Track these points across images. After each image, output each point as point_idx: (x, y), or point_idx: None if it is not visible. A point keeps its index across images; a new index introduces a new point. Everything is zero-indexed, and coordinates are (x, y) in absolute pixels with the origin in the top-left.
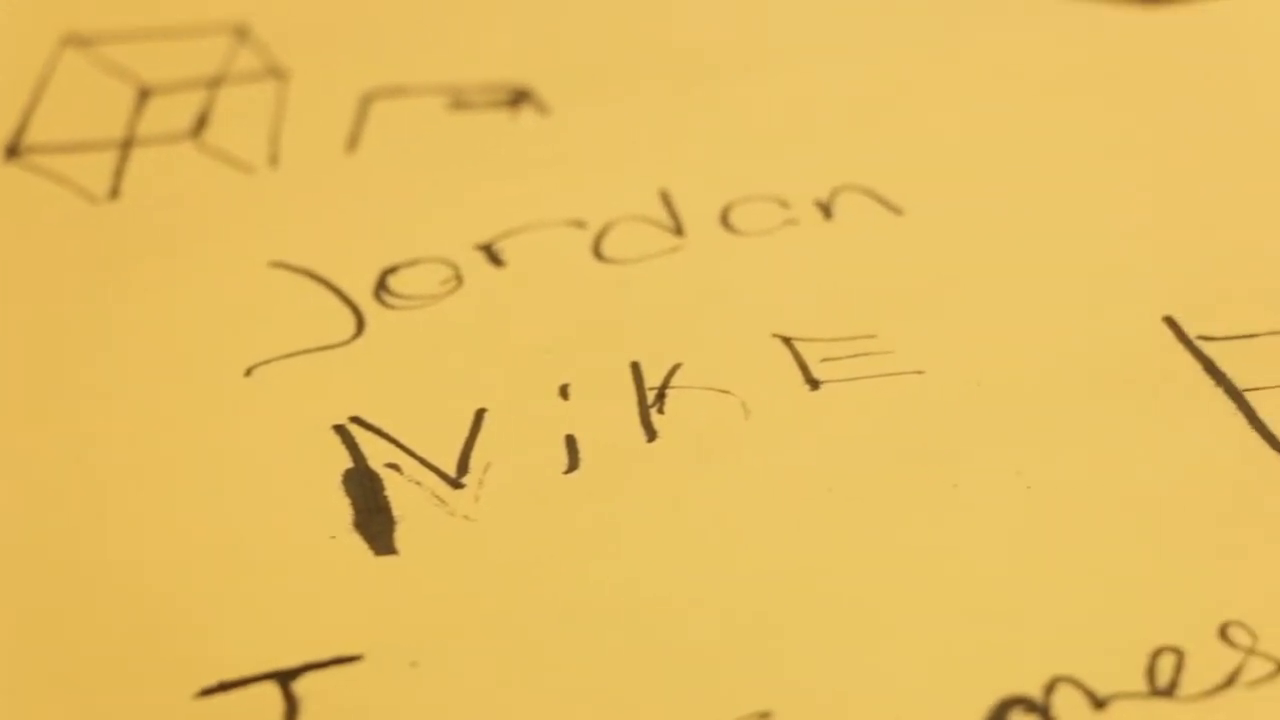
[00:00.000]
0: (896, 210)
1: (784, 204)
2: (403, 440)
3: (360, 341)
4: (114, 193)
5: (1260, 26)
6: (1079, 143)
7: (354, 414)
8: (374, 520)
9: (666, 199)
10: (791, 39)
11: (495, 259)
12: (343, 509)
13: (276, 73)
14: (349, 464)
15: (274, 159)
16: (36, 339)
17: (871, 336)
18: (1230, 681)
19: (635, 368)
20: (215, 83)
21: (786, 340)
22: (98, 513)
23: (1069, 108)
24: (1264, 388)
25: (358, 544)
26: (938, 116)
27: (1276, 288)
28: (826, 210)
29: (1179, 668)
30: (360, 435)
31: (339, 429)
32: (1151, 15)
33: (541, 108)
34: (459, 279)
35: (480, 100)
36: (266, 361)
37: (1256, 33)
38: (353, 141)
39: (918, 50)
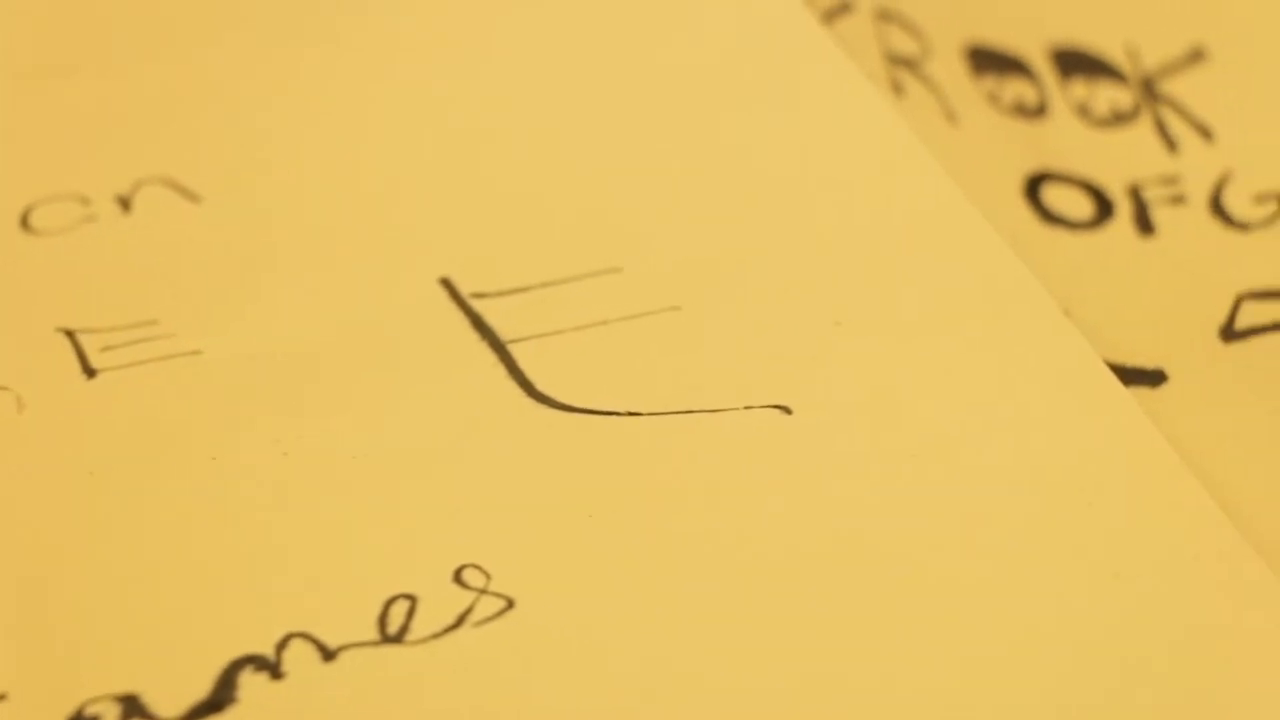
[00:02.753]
0: (195, 199)
1: (84, 201)
2: None
3: None
4: None
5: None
6: (370, 117)
7: None
8: None
9: None
10: (96, 43)
11: None
12: None
13: None
14: None
15: None
16: None
17: (153, 322)
18: (459, 622)
19: None
20: None
21: (69, 333)
22: None
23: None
24: (526, 338)
25: None
26: (248, 112)
27: (546, 241)
28: (126, 204)
29: (411, 614)
30: None
31: None
32: None
33: None
34: None
35: None
36: None
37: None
38: None
39: (213, 51)
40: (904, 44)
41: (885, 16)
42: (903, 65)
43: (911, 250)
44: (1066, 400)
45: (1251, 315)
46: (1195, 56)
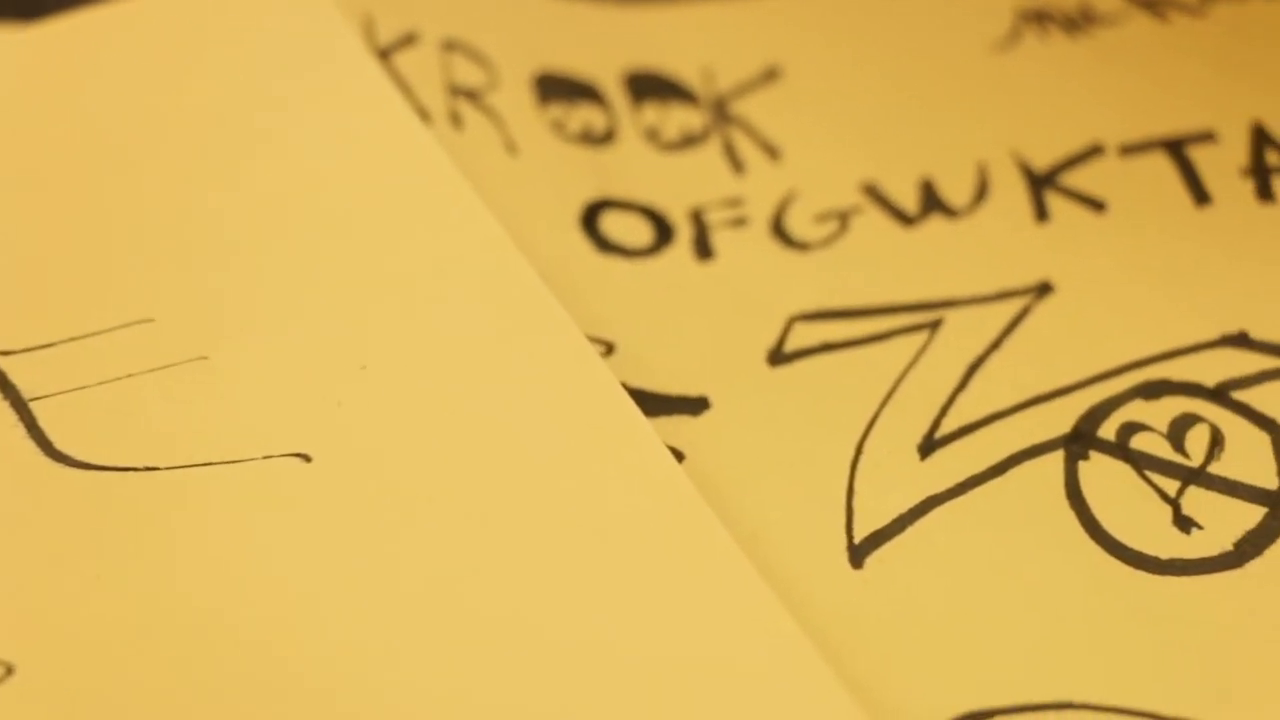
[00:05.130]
0: None
1: None
2: None
3: None
4: None
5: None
6: None
7: None
8: None
9: None
10: None
11: None
12: None
13: None
14: None
15: None
16: None
17: None
18: None
19: None
20: None
21: None
22: None
23: None
24: (50, 395)
25: None
26: None
27: (75, 293)
28: None
29: None
30: None
31: None
32: None
33: None
34: None
35: None
36: None
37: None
38: None
39: None
40: (470, 74)
41: (451, 46)
42: (464, 96)
43: (443, 290)
44: (587, 437)
45: (801, 337)
46: (769, 76)
